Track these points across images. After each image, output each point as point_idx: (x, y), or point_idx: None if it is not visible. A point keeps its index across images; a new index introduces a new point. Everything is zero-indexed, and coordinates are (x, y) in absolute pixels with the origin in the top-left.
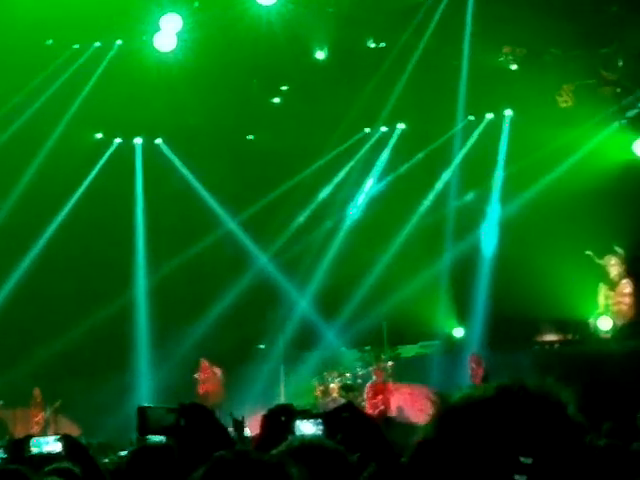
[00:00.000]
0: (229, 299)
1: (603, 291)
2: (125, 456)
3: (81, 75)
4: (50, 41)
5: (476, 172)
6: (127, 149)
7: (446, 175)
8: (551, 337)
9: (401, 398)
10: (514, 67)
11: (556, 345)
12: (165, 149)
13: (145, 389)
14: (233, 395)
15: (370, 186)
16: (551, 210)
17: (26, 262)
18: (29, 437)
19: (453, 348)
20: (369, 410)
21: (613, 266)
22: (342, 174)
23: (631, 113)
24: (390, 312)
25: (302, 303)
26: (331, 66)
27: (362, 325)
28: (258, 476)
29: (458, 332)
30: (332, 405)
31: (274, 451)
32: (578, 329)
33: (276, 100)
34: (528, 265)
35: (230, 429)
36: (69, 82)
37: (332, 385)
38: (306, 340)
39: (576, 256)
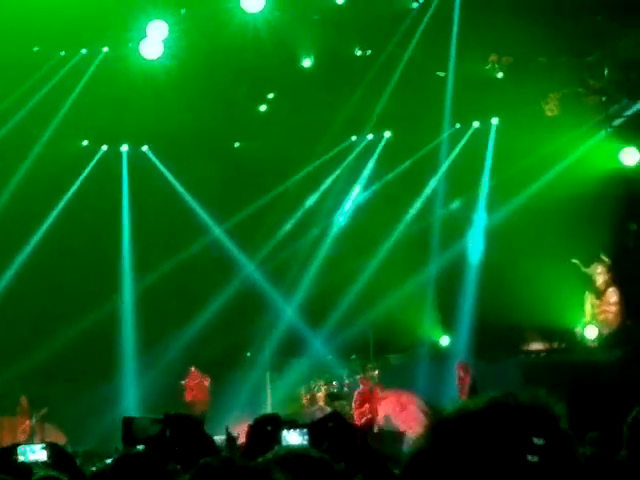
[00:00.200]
0: (216, 306)
1: (589, 299)
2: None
3: (68, 82)
4: (36, 48)
5: (462, 180)
6: (114, 156)
7: (432, 183)
8: (537, 346)
9: (388, 406)
10: (500, 75)
11: (542, 354)
12: (151, 156)
13: (131, 396)
14: (220, 402)
15: (356, 194)
16: (537, 218)
17: (12, 269)
18: (16, 446)
19: (439, 356)
20: (356, 418)
21: (599, 274)
22: (329, 182)
23: (617, 122)
24: (376, 320)
25: (289, 311)
26: (317, 74)
27: (348, 333)
28: None
29: (444, 340)
30: (319, 413)
31: (260, 459)
32: (564, 338)
33: (262, 107)
34: (514, 273)
35: (217, 437)
36: (56, 89)
37: (319, 393)
38: (293, 348)
39: (562, 264)
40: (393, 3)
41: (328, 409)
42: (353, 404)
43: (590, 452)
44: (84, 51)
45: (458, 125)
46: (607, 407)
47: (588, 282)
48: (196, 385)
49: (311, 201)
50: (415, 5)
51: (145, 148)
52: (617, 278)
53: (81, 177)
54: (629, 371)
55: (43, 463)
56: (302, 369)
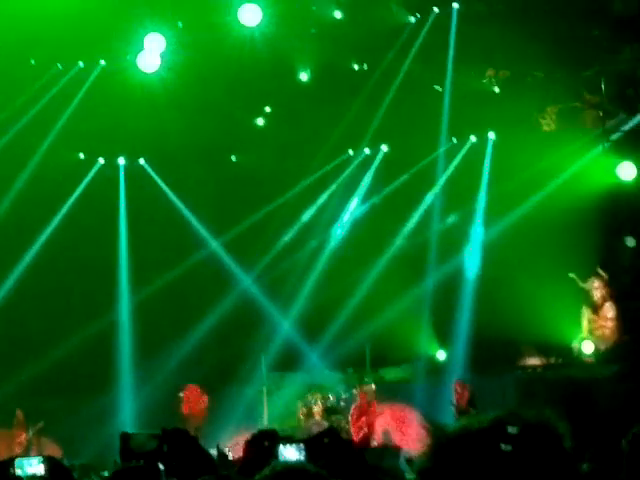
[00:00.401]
0: (212, 320)
1: (586, 314)
2: (108, 477)
3: (65, 95)
4: (34, 61)
5: (459, 194)
6: (110, 169)
7: (429, 197)
8: (534, 361)
9: (385, 421)
10: (497, 90)
11: (539, 369)
12: (148, 169)
13: (128, 410)
14: (216, 416)
15: (354, 208)
16: (534, 233)
17: (8, 282)
18: (13, 459)
19: (436, 371)
20: (353, 433)
21: (596, 289)
22: (325, 196)
23: (614, 136)
24: (373, 334)
25: (285, 325)
26: (315, 87)
27: (345, 347)
28: None
29: (441, 355)
30: (315, 428)
31: (257, 476)
32: (561, 353)
33: (260, 121)
34: (511, 288)
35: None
36: (53, 102)
37: (315, 407)
38: (289, 362)
39: (559, 279)
40: (390, 17)
41: (325, 423)
42: (350, 418)
43: (588, 468)
44: (81, 64)
45: (455, 139)
46: (604, 422)
47: (585, 297)
48: (193, 398)
49: (308, 215)
50: (412, 19)
51: (142, 161)
52: (614, 293)
53: (78, 190)
54: (626, 386)
55: (40, 476)
56: (299, 383)
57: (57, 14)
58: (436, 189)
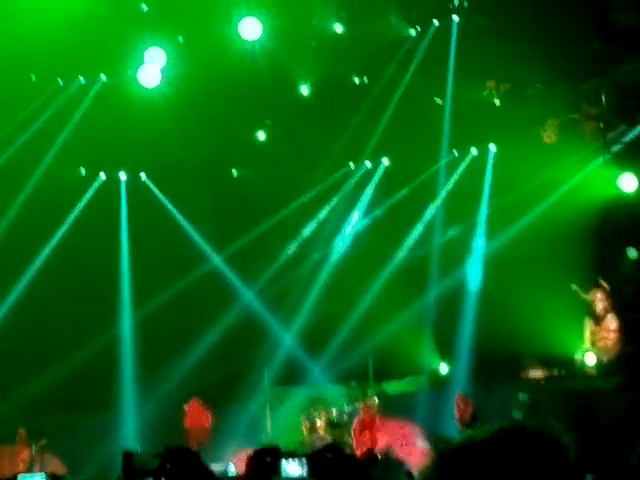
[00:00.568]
0: (215, 335)
1: (589, 326)
2: None
3: (66, 110)
4: (34, 77)
5: (461, 207)
6: (112, 184)
7: (431, 210)
8: (537, 373)
9: (389, 435)
10: (498, 102)
11: (542, 381)
12: (150, 184)
13: (130, 426)
14: (219, 431)
15: (355, 221)
16: (536, 245)
17: (11, 297)
18: (17, 476)
19: (439, 384)
20: (356, 447)
21: (599, 301)
22: (327, 210)
23: (615, 148)
24: (376, 348)
25: (288, 339)
26: (315, 101)
27: (348, 361)
28: None
29: (443, 368)
30: (319, 442)
31: None
32: (564, 365)
33: (261, 135)
34: (513, 300)
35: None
36: (54, 117)
37: (318, 422)
38: (292, 376)
39: (561, 291)
40: (390, 31)
41: (328, 438)
42: (352, 432)
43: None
44: (82, 79)
45: (456, 152)
46: (607, 434)
47: (587, 309)
48: (196, 413)
49: (310, 229)
50: (412, 33)
51: (143, 176)
52: (616, 305)
53: (80, 206)
54: (628, 398)
55: None
56: (302, 397)
57: (57, 30)
58: (437, 202)
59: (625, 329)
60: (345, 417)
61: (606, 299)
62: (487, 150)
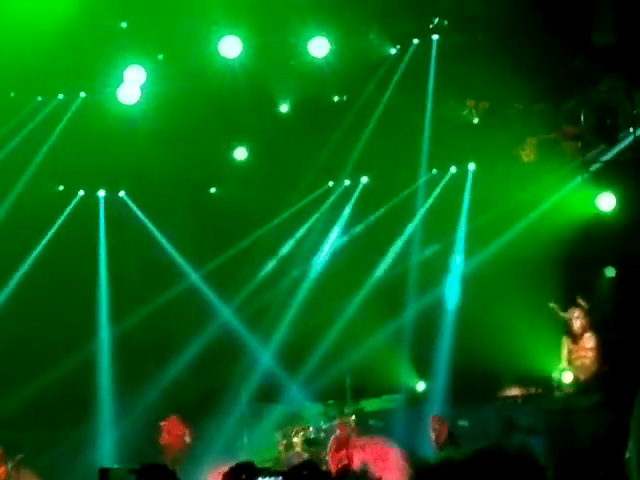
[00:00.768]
0: (192, 352)
1: (566, 344)
2: None
3: (45, 127)
4: (13, 93)
5: (440, 225)
6: (90, 201)
7: (409, 228)
8: (514, 391)
9: (365, 453)
10: (477, 121)
11: (519, 399)
12: (129, 201)
13: (108, 442)
14: (196, 448)
15: (334, 239)
16: (514, 263)
17: None
18: None
19: (416, 402)
20: (332, 465)
21: (576, 319)
22: (305, 228)
23: (594, 167)
24: (353, 366)
25: (265, 356)
26: (295, 119)
27: (325, 378)
28: None
29: (420, 386)
30: (295, 459)
31: None
32: (541, 383)
33: (240, 153)
34: (491, 318)
35: None
36: (33, 134)
37: (295, 439)
38: (269, 393)
39: (539, 309)
40: (371, 49)
41: (305, 455)
42: (328, 450)
43: None
44: (61, 96)
45: (435, 170)
46: (584, 452)
47: (565, 327)
48: (173, 430)
49: (288, 247)
50: (392, 51)
51: (122, 193)
52: (594, 323)
53: (58, 222)
54: (606, 417)
55: None
56: (279, 414)
57: (37, 46)
58: (416, 220)
59: (602, 348)
60: (322, 435)
61: (584, 317)
62: (466, 169)
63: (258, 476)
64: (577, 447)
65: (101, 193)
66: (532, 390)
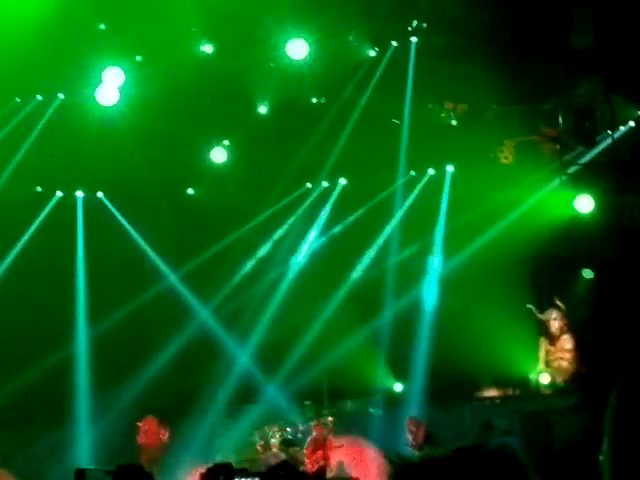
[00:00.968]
0: (170, 353)
1: (544, 346)
2: None
3: (23, 128)
4: None
5: (418, 227)
6: (68, 202)
7: (387, 230)
8: (491, 393)
9: (342, 454)
10: (455, 123)
11: (497, 400)
12: (107, 202)
13: (84, 443)
14: (173, 449)
15: (311, 241)
16: (492, 265)
17: None
18: None
19: (393, 403)
20: (309, 465)
21: (554, 320)
22: (283, 229)
23: (572, 169)
24: (331, 367)
25: (243, 357)
26: (273, 120)
27: (303, 380)
28: None
29: (398, 387)
30: (273, 460)
31: None
32: (518, 384)
33: (218, 154)
34: (468, 320)
35: None
36: (11, 135)
37: (273, 440)
38: (247, 394)
39: (517, 311)
40: (349, 52)
41: (282, 455)
42: (305, 450)
43: None
44: (39, 97)
45: (413, 172)
46: (561, 453)
47: (542, 328)
48: (150, 430)
49: (266, 248)
50: (371, 53)
51: (100, 194)
52: (572, 324)
53: (35, 223)
54: (583, 418)
55: None
56: (256, 415)
57: (15, 47)
58: (394, 222)
59: (580, 349)
60: (299, 435)
61: (562, 319)
62: (444, 170)
63: (235, 477)
64: (554, 448)
65: (79, 194)
66: (509, 391)
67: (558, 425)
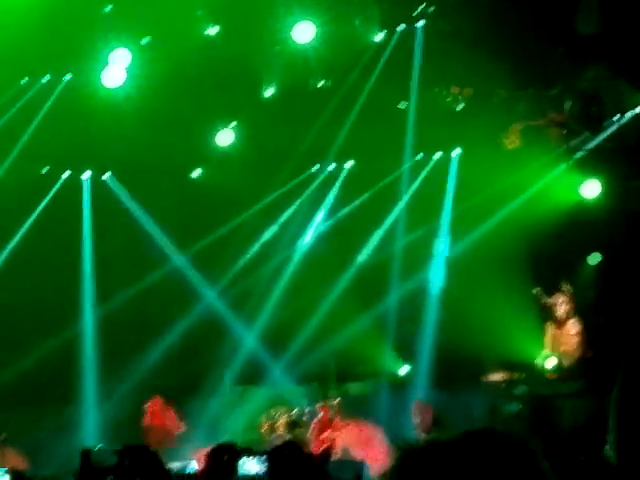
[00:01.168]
0: (176, 334)
1: (550, 330)
2: None
3: (30, 109)
4: None
5: (424, 211)
6: (75, 183)
7: (394, 213)
8: (497, 377)
9: (349, 436)
10: (461, 107)
11: (503, 385)
12: (113, 184)
13: (92, 422)
14: (179, 430)
15: (318, 223)
16: (498, 249)
17: None
18: None
19: (400, 386)
20: (315, 447)
21: (561, 304)
22: (290, 211)
23: (578, 155)
24: (337, 349)
25: (249, 339)
26: (280, 103)
27: (309, 361)
28: None
29: (404, 370)
30: (279, 442)
31: None
32: (524, 369)
33: (225, 136)
34: (475, 304)
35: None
36: (17, 116)
37: (279, 421)
38: (253, 376)
39: (523, 295)
40: (356, 35)
41: (288, 437)
42: (310, 432)
43: None
44: (46, 78)
45: (420, 156)
46: (567, 438)
47: (549, 312)
48: (157, 411)
49: (273, 230)
50: (378, 37)
51: (107, 175)
52: (578, 309)
53: (42, 205)
54: (589, 402)
55: None
56: (262, 397)
57: (22, 28)
58: (401, 205)
59: (586, 334)
60: (306, 417)
61: (568, 303)
62: (450, 155)
63: (240, 456)
64: (559, 433)
65: (86, 175)
66: (515, 375)
67: (564, 409)
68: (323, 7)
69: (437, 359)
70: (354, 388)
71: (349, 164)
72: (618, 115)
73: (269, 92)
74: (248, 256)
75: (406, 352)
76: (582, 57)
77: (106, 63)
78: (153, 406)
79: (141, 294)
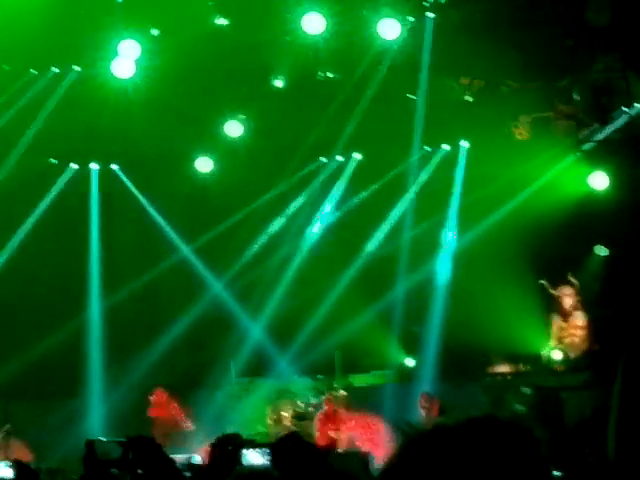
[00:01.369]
0: (183, 325)
1: (556, 322)
2: None
3: (38, 101)
4: (7, 67)
5: (432, 202)
6: (83, 174)
7: (402, 205)
8: (503, 368)
9: (354, 428)
10: (471, 99)
11: (508, 376)
12: (121, 175)
13: (97, 414)
14: (185, 421)
15: (325, 215)
16: (506, 241)
17: None
18: None
19: (406, 378)
20: (320, 439)
21: (567, 296)
22: (298, 203)
23: (587, 146)
24: (343, 341)
25: (256, 331)
26: (289, 94)
27: (315, 353)
28: None
29: (410, 362)
30: (284, 433)
31: None
32: (530, 360)
33: (234, 127)
34: (481, 295)
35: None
36: (27, 107)
37: (284, 413)
38: (259, 368)
39: (530, 287)
40: (365, 27)
41: (293, 429)
42: (315, 424)
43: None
44: (56, 70)
45: (428, 148)
46: (572, 430)
47: (555, 304)
48: (161, 403)
49: (280, 221)
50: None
51: (115, 167)
52: (584, 301)
53: (50, 195)
54: (594, 395)
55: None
56: (268, 389)
57: (31, 20)
58: (408, 197)
59: (592, 326)
60: (311, 409)
61: (574, 295)
62: (459, 146)
63: (244, 447)
64: (565, 425)
65: (94, 166)
66: (521, 367)
67: (570, 401)
68: None
69: (443, 351)
70: (360, 380)
71: (357, 156)
72: (628, 107)
73: (278, 83)
74: (255, 248)
75: (413, 344)
76: (592, 48)
77: (116, 54)
78: (157, 397)
79: (148, 286)
